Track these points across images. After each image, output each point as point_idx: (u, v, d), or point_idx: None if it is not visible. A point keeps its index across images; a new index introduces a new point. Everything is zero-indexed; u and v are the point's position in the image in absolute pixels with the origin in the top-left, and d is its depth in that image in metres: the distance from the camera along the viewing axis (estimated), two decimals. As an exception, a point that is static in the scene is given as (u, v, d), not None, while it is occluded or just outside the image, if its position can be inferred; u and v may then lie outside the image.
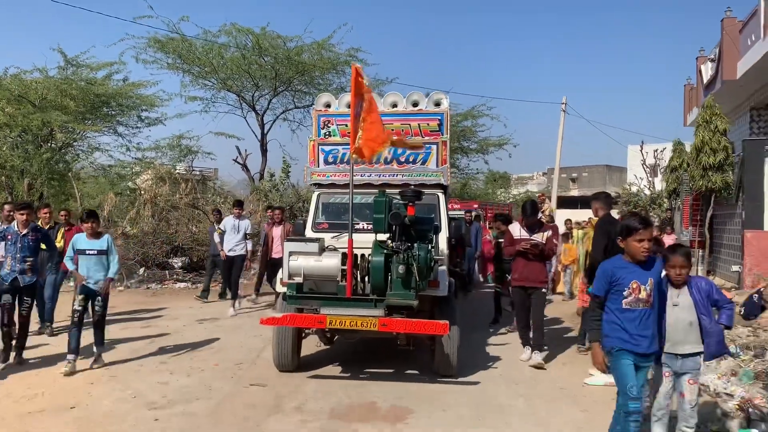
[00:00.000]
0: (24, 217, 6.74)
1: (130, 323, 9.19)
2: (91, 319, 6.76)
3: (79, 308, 6.53)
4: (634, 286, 3.86)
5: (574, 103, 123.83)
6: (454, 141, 24.09)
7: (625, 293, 3.88)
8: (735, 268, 12.83)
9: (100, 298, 6.64)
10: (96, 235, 6.75)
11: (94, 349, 6.68)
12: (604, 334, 3.96)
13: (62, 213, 9.64)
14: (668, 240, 13.08)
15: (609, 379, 5.99)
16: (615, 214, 17.11)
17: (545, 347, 7.27)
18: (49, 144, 17.41)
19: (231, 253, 10.53)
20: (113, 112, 19.43)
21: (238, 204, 11.24)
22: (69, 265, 6.82)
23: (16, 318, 6.70)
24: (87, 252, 6.63)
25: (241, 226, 10.61)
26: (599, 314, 4.01)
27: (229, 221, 10.72)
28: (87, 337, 6.69)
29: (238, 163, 23.20)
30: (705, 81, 18.44)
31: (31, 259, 6.75)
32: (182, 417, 5.04)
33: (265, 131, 22.95)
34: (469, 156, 28.06)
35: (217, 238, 10.78)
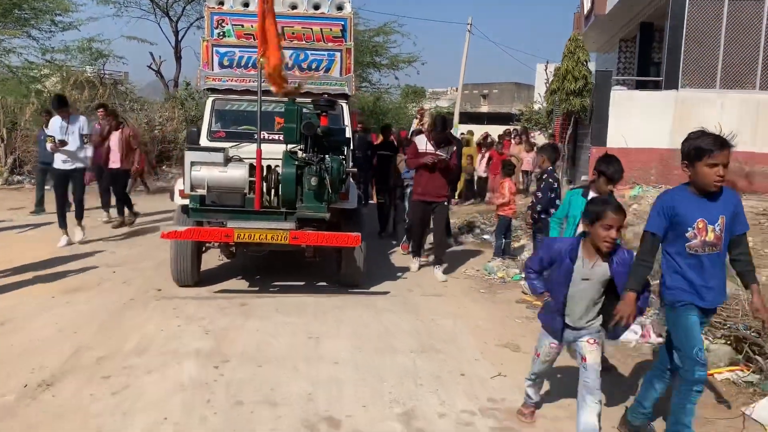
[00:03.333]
0: None
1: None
2: None
3: None
4: (700, 225, 3.11)
5: (484, 23, 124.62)
6: (366, 56, 25.40)
7: (688, 234, 3.12)
8: (584, 177, 15.59)
9: None
10: None
11: None
12: (665, 286, 3.25)
13: None
14: (527, 158, 15.42)
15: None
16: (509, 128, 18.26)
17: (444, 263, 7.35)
18: (-39, 46, 17.72)
19: (66, 166, 8.11)
20: (27, 16, 19.61)
21: (60, 102, 8.19)
22: None
23: None
24: None
25: (72, 129, 8.06)
26: (649, 260, 3.19)
27: (55, 123, 8.14)
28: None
29: (152, 69, 23.82)
30: (585, 12, 20.71)
31: None
32: (134, 270, 6.92)
33: (179, 38, 23.57)
34: (381, 71, 29.42)
35: (48, 147, 8.11)
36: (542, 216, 6.22)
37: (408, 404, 3.79)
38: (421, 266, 7.44)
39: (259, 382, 4.04)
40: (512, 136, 15.62)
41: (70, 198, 8.40)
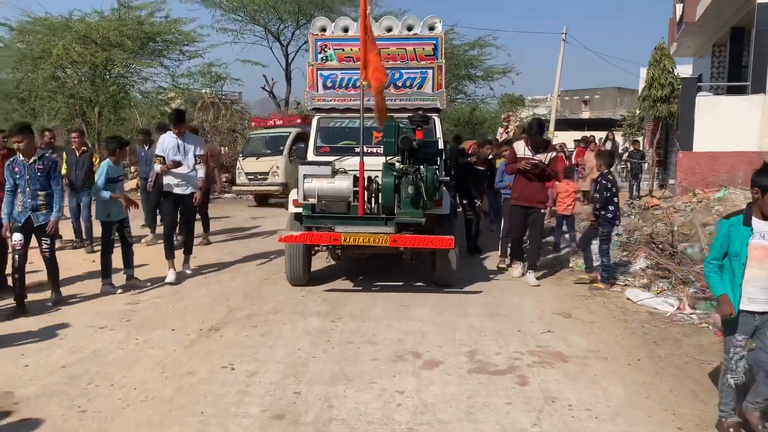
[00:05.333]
0: (18, 144, 5.88)
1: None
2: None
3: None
4: None
5: (584, 29, 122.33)
6: (461, 69, 26.59)
7: None
8: (671, 181, 16.02)
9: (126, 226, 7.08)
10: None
11: (123, 272, 7.10)
12: None
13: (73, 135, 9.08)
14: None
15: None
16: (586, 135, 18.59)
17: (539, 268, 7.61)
18: (110, 77, 20.69)
19: (179, 190, 7.36)
20: (159, 47, 22.49)
21: (177, 116, 7.47)
22: (104, 196, 6.66)
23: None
24: (119, 179, 7.09)
25: (187, 147, 7.36)
26: None
27: (168, 141, 7.34)
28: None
29: (266, 90, 26.29)
30: (677, 19, 20.92)
31: (44, 192, 5.94)
32: (262, 259, 8.59)
33: (289, 61, 25.91)
34: (476, 83, 30.41)
35: (157, 168, 7.54)
36: (602, 212, 7.20)
37: (473, 347, 5.05)
38: (523, 274, 7.48)
39: (363, 331, 5.44)
40: (585, 143, 16.27)
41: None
